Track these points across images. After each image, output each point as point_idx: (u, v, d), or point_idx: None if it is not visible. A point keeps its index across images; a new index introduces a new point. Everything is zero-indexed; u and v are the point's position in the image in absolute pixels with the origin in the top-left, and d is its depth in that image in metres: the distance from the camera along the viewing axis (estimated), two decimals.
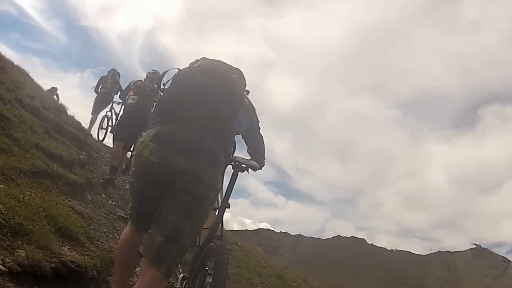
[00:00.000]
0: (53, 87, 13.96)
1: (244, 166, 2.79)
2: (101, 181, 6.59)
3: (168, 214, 2.30)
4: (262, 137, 3.03)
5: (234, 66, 2.75)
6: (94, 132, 11.13)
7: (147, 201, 2.50)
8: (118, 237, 4.96)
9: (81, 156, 6.99)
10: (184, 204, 2.30)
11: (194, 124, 2.38)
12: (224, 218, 2.83)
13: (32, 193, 4.14)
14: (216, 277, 2.30)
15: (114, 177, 6.94)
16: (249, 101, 2.80)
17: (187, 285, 2.83)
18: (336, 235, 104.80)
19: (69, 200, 4.91)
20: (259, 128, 2.99)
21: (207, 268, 2.59)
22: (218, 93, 2.43)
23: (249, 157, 2.98)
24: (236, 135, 2.80)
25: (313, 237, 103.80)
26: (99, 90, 11.33)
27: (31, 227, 3.23)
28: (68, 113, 11.57)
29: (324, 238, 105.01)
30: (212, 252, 2.53)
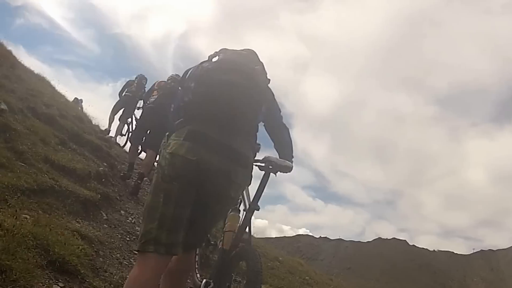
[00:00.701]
0: (75, 98, 13.71)
1: (276, 166, 2.70)
2: (121, 174, 7.16)
3: (201, 221, 2.38)
4: (287, 129, 2.89)
5: (249, 52, 2.66)
6: (113, 133, 11.04)
7: (186, 208, 2.26)
8: (134, 262, 4.34)
9: (101, 168, 6.44)
10: (216, 212, 2.42)
11: (223, 124, 2.33)
12: (253, 221, 2.75)
13: (28, 216, 3.58)
14: (250, 282, 2.26)
15: (131, 174, 7.30)
16: (269, 89, 2.69)
17: None
18: (377, 237, 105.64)
19: (78, 221, 4.32)
20: (281, 118, 2.87)
21: (234, 275, 2.64)
22: (243, 90, 2.38)
23: (276, 155, 2.86)
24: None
25: (354, 241, 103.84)
26: (123, 94, 10.94)
27: (9, 262, 2.61)
28: (93, 123, 11.32)
29: (365, 241, 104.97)
30: (241, 256, 2.51)
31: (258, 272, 2.28)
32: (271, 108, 2.74)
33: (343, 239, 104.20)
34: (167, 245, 2.15)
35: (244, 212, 2.75)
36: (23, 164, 4.56)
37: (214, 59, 2.51)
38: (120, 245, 4.56)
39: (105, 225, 4.83)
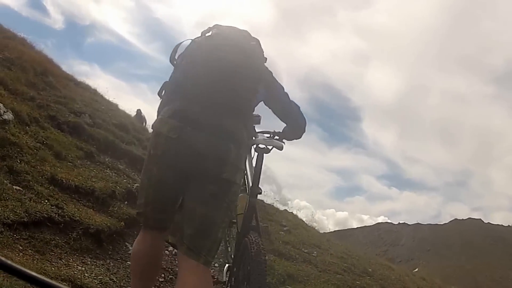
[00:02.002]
0: (138, 110, 13.21)
1: (269, 148, 2.75)
2: None
3: (195, 205, 2.21)
4: (299, 107, 2.75)
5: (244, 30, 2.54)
6: None
7: (167, 191, 2.29)
8: None
9: (136, 185, 5.45)
10: (211, 194, 2.21)
11: (212, 101, 2.25)
12: (257, 204, 2.76)
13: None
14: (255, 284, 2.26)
15: None
16: (266, 68, 2.55)
17: (232, 277, 2.77)
18: (452, 218, 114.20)
19: (85, 261, 3.34)
20: (287, 95, 2.67)
21: (247, 266, 2.54)
22: (236, 66, 2.30)
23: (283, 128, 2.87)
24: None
25: (431, 224, 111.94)
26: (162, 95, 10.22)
27: None
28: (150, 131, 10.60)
29: (442, 223, 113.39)
30: (247, 249, 2.48)
31: (262, 271, 2.31)
32: (271, 86, 2.61)
33: (420, 223, 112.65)
34: (155, 220, 2.32)
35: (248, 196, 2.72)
36: (18, 188, 3.65)
37: (207, 35, 2.43)
38: None
39: (128, 262, 3.77)
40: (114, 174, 5.45)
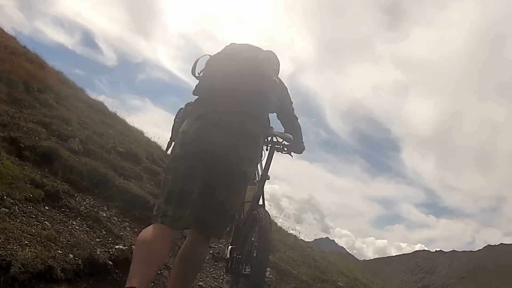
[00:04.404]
0: None
1: (281, 140, 2.87)
2: None
3: (214, 192, 2.42)
4: (297, 118, 3.03)
5: (264, 49, 2.79)
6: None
7: (192, 184, 2.34)
8: None
9: (118, 247, 3.46)
10: (229, 183, 2.44)
11: (230, 106, 2.46)
12: (266, 190, 2.88)
13: None
14: (260, 245, 2.36)
15: None
16: (280, 81, 2.83)
17: (235, 256, 2.84)
18: (486, 245, 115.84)
19: None
20: (293, 109, 2.99)
21: (252, 238, 2.69)
22: (245, 75, 2.52)
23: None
24: (270, 114, 2.89)
25: (466, 251, 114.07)
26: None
27: None
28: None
29: (476, 249, 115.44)
30: (255, 220, 2.58)
31: (268, 232, 2.38)
32: (284, 100, 2.83)
33: (456, 250, 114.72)
34: (173, 218, 2.29)
35: (257, 183, 2.90)
36: None
37: (224, 50, 2.62)
38: None
39: None
40: (84, 228, 3.49)
